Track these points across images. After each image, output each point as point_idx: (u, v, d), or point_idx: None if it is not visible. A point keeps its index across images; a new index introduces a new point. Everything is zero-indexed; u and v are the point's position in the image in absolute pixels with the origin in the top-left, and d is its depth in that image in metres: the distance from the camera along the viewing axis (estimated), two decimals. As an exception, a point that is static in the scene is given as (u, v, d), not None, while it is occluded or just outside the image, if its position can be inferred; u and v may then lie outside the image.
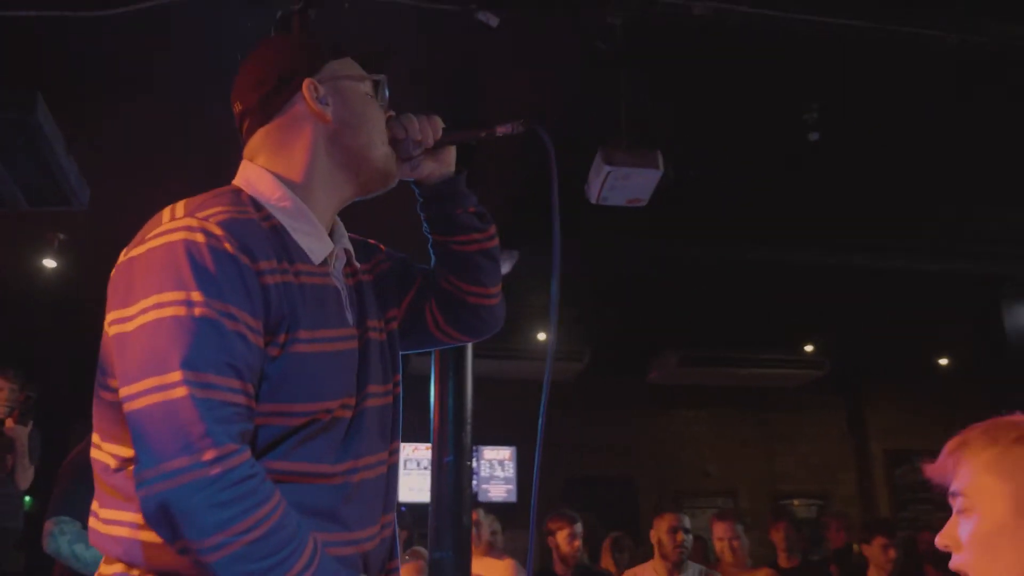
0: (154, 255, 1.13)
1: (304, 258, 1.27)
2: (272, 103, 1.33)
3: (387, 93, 1.45)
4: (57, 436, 5.81)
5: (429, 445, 3.98)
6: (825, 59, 3.75)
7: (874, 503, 9.64)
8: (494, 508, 6.45)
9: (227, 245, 1.13)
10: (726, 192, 4.99)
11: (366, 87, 1.41)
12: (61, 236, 5.27)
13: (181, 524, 1.02)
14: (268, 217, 1.27)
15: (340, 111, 1.35)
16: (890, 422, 9.77)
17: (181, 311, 1.07)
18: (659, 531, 4.01)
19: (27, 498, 5.80)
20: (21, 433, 5.23)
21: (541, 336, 7.82)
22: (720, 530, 4.64)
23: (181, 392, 1.04)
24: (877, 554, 4.32)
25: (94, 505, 1.20)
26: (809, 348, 8.51)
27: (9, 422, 5.20)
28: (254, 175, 1.33)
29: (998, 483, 1.14)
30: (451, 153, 1.50)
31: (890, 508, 9.54)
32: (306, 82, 1.33)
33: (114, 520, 1.16)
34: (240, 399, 1.09)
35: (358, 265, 1.43)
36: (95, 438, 1.20)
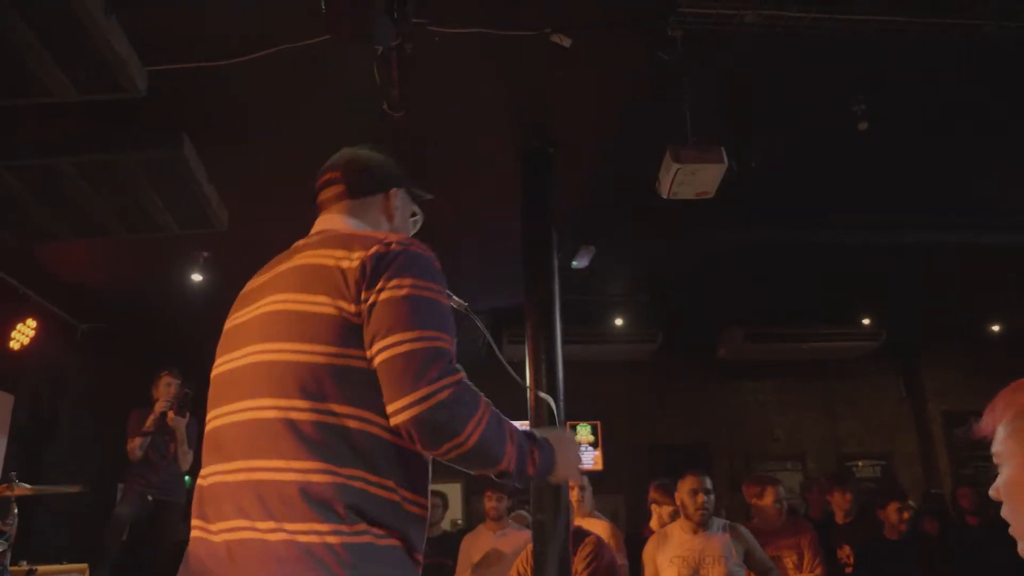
0: (411, 253, 1.48)
1: None
2: (370, 188, 1.77)
3: (420, 220, 1.89)
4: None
5: (527, 422, 4.03)
6: (869, 53, 3.65)
7: (934, 462, 9.30)
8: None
9: (437, 263, 1.53)
10: (785, 180, 4.90)
11: (414, 208, 1.86)
12: (205, 254, 5.48)
13: (447, 426, 1.34)
14: None
15: (397, 216, 1.79)
16: (946, 386, 9.40)
17: (432, 295, 1.45)
18: (681, 493, 3.90)
19: (187, 478, 6.07)
20: (181, 423, 5.49)
21: (619, 322, 7.80)
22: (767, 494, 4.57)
23: (435, 344, 1.38)
24: (891, 516, 4.35)
25: (364, 474, 1.36)
26: (866, 321, 8.26)
27: (171, 414, 5.46)
28: (363, 224, 1.73)
29: (1014, 444, 1.18)
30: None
31: (949, 466, 9.19)
32: (394, 190, 1.79)
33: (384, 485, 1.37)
34: (453, 349, 1.43)
35: None
36: (364, 415, 1.38)
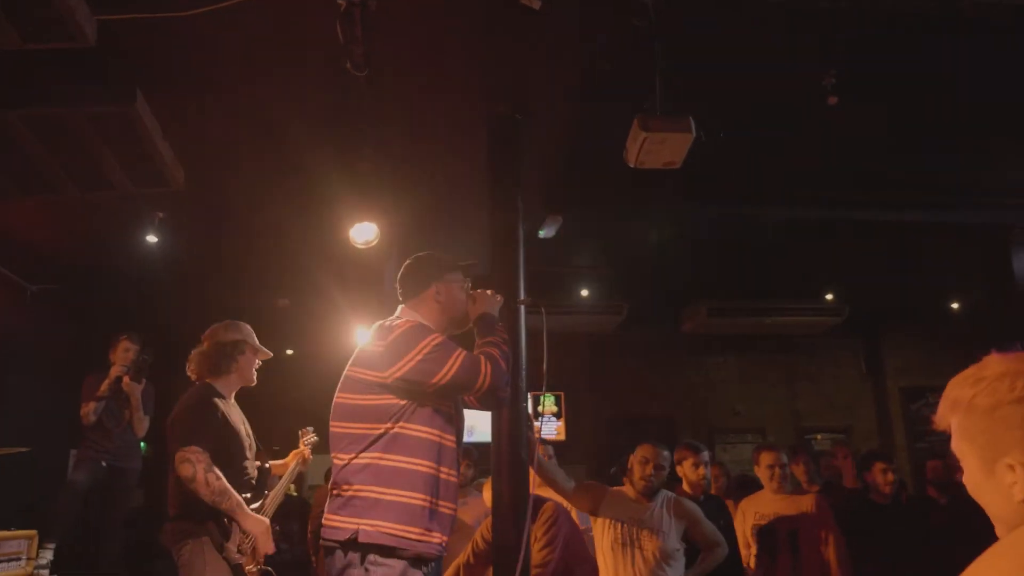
0: (407, 329, 2.43)
1: None
2: (417, 291, 2.62)
3: (469, 285, 2.73)
4: (162, 390, 5.96)
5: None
6: (840, 26, 3.64)
7: (891, 436, 9.52)
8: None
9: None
10: (751, 153, 4.90)
11: (462, 283, 2.69)
12: (161, 215, 5.36)
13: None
14: None
15: (446, 300, 2.62)
16: (906, 362, 9.60)
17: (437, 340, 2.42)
18: (634, 459, 3.96)
19: (143, 444, 5.99)
20: (136, 389, 5.40)
21: (584, 293, 7.80)
22: (768, 459, 4.61)
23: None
24: (877, 477, 4.35)
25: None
26: (829, 296, 8.37)
27: (126, 379, 5.36)
28: (415, 317, 2.58)
29: (965, 445, 1.16)
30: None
31: (906, 439, 9.40)
32: (434, 285, 2.61)
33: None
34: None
35: None
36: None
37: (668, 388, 9.48)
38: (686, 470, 4.40)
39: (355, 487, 2.33)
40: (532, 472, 3.28)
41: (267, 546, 3.28)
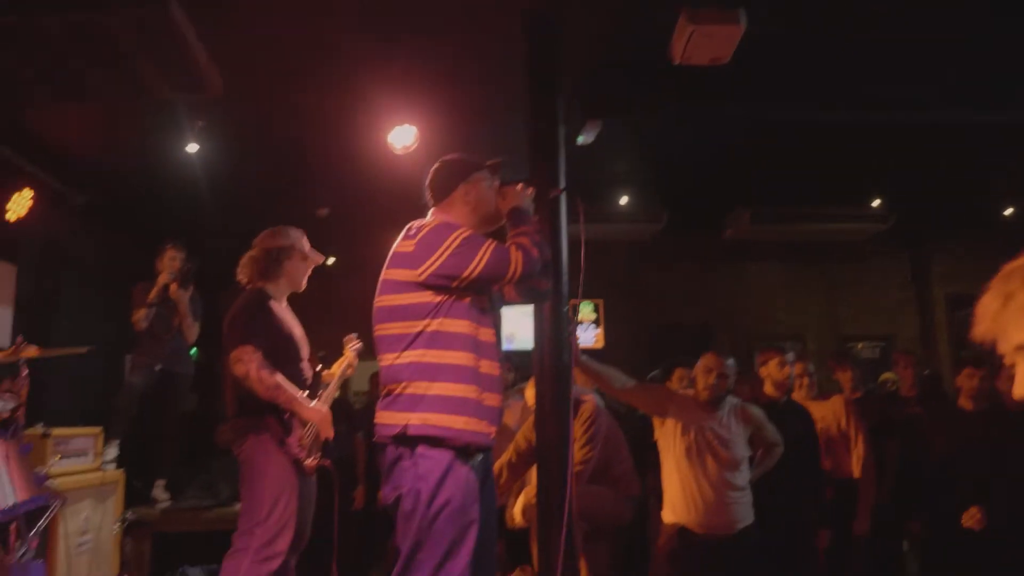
0: (435, 227, 2.48)
1: None
2: (445, 194, 2.66)
3: (497, 183, 2.74)
4: (210, 297, 6.08)
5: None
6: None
7: (935, 344, 9.41)
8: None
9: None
10: (802, 51, 4.68)
11: (490, 182, 2.71)
12: (201, 123, 5.34)
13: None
14: None
15: (475, 199, 2.66)
16: (953, 269, 9.37)
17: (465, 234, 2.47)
18: (698, 368, 3.96)
19: (194, 350, 6.15)
20: (183, 296, 5.51)
21: (624, 200, 7.70)
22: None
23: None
24: (964, 381, 4.14)
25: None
26: (875, 203, 8.14)
27: (173, 286, 5.46)
28: (445, 218, 2.59)
29: (1015, 332, 1.13)
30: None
31: (949, 347, 9.29)
32: (461, 185, 2.65)
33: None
34: None
35: None
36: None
37: (708, 296, 9.41)
38: (771, 370, 4.42)
39: (401, 384, 2.38)
40: (575, 372, 3.31)
41: (327, 431, 3.39)
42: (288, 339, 3.43)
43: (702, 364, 3.96)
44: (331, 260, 7.63)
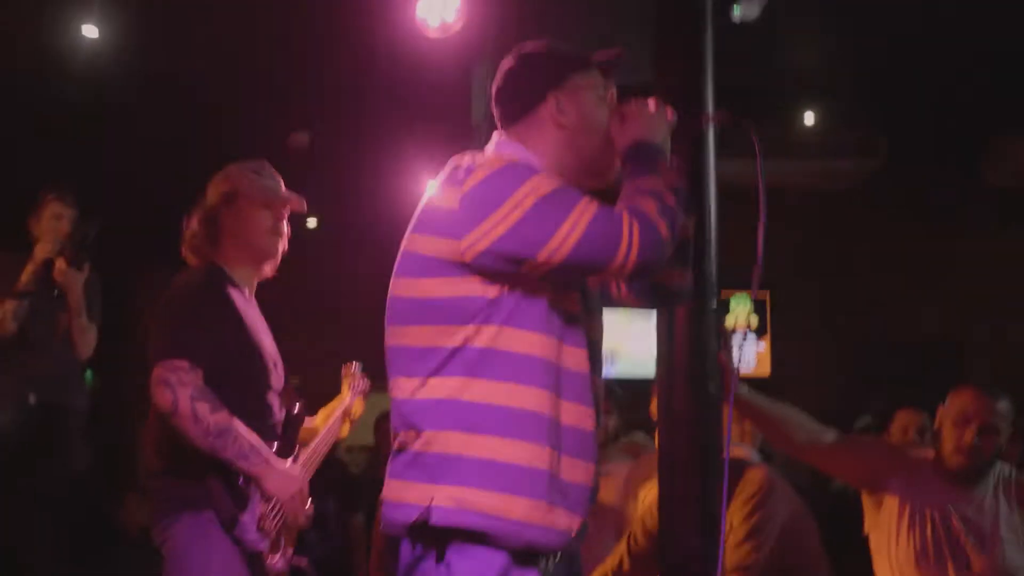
0: (496, 171, 2.39)
1: None
2: (525, 110, 2.59)
3: (614, 94, 2.69)
4: (119, 285, 6.12)
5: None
6: None
7: None
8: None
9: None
10: None
11: (601, 91, 2.65)
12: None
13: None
14: None
15: (575, 120, 2.57)
16: None
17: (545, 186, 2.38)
18: (945, 415, 3.90)
19: (89, 372, 6.25)
20: (76, 279, 5.52)
21: (811, 119, 7.62)
22: None
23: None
24: None
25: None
26: None
27: (60, 263, 5.48)
28: (519, 152, 2.55)
29: None
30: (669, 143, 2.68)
31: None
32: (550, 96, 2.56)
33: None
34: None
35: None
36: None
37: (954, 287, 9.31)
38: None
39: (423, 436, 2.38)
40: (729, 414, 3.31)
41: (299, 513, 3.44)
42: (250, 354, 3.48)
43: (953, 408, 3.89)
44: (311, 221, 7.72)
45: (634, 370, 8.12)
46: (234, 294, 3.48)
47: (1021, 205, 9.00)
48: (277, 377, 3.57)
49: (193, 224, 3.59)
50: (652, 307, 3.11)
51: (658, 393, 3.57)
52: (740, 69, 6.60)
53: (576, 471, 2.42)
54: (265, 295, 3.81)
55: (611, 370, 7.92)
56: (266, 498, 3.37)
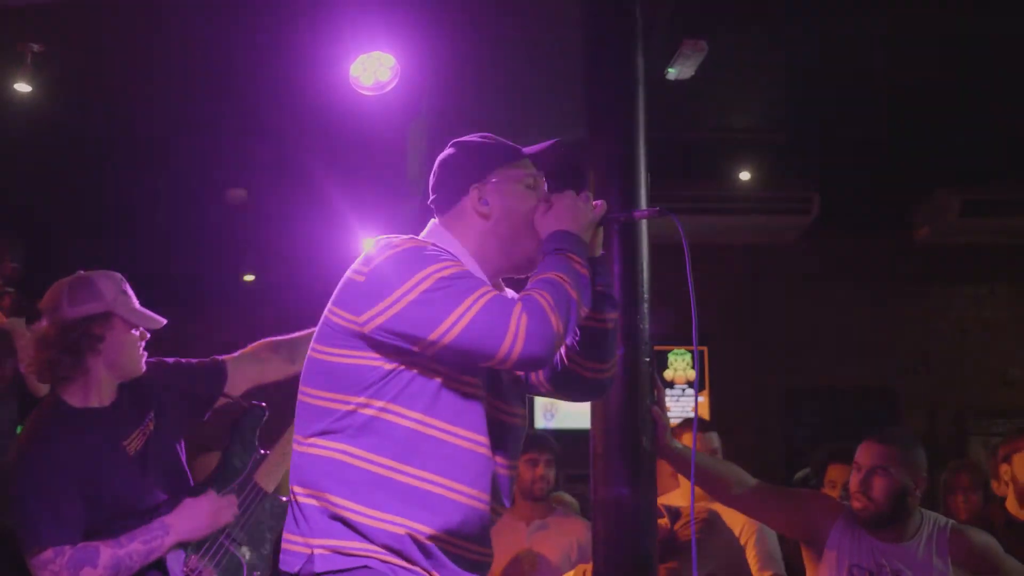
0: (404, 251, 2.43)
1: None
2: (450, 200, 2.66)
3: (545, 186, 2.71)
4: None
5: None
6: None
7: None
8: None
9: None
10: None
11: (529, 182, 2.67)
12: (36, 47, 5.43)
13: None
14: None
15: (497, 212, 2.60)
16: None
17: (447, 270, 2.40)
18: (856, 460, 3.95)
19: (19, 428, 6.17)
20: (18, 327, 5.28)
21: (745, 176, 7.72)
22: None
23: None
24: None
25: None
26: None
27: (3, 305, 5.39)
28: (444, 239, 2.61)
29: None
30: (601, 235, 2.73)
31: None
32: (472, 188, 2.61)
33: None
34: None
35: None
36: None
37: (888, 339, 9.41)
38: (1017, 471, 4.40)
39: (306, 489, 2.47)
40: (663, 468, 3.35)
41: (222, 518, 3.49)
42: (103, 483, 3.38)
43: (861, 453, 3.92)
44: (248, 277, 7.71)
45: (570, 423, 8.24)
46: (66, 435, 3.39)
47: (952, 260, 9.18)
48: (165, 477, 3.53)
49: (40, 338, 3.46)
50: (571, 400, 3.10)
51: (591, 446, 3.62)
52: (679, 131, 6.70)
53: (456, 547, 2.47)
54: (202, 349, 3.81)
55: (549, 423, 8.07)
56: (184, 544, 3.43)
